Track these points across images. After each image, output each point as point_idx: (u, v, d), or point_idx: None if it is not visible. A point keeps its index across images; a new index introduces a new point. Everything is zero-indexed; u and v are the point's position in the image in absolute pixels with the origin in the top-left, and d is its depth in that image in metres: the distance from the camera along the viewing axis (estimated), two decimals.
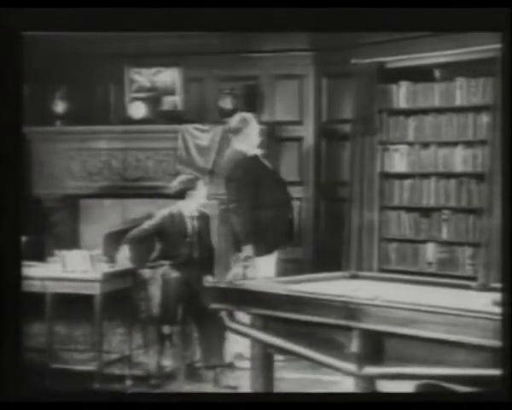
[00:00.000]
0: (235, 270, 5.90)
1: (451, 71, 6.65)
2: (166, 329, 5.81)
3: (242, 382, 5.75)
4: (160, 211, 5.96)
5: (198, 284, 5.79)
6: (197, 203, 5.94)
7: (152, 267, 5.91)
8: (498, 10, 3.74)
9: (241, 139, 5.99)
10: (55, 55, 7.45)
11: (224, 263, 6.17)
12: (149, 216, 6.04)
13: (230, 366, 6.01)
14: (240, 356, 6.07)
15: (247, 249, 5.86)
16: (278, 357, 5.37)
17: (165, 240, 5.91)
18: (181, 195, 5.93)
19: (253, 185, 5.87)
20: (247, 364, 5.93)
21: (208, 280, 5.74)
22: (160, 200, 6.72)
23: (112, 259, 5.93)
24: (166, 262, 5.87)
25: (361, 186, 7.04)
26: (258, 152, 6.00)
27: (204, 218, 6.02)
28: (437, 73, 6.88)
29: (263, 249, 5.92)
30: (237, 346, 6.01)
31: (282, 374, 5.36)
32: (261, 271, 5.92)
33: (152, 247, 6.02)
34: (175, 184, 6.00)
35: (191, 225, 5.95)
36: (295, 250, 7.25)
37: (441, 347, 3.33)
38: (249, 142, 5.98)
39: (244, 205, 5.85)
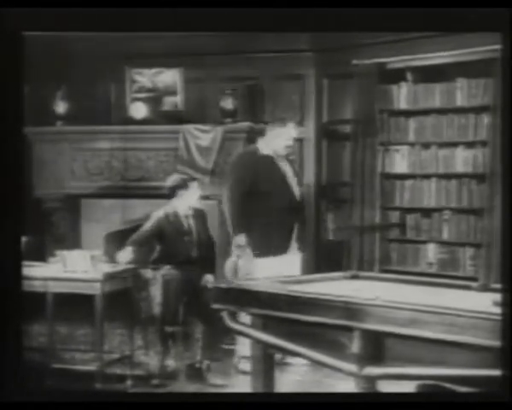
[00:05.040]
0: (228, 261, 5.93)
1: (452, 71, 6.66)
2: (169, 329, 5.82)
3: (230, 380, 5.79)
4: (155, 212, 5.99)
5: (200, 282, 5.84)
6: (188, 204, 5.97)
7: (153, 269, 5.93)
8: (498, 10, 3.74)
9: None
10: (55, 55, 7.45)
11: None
12: (148, 217, 6.06)
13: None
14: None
15: (239, 239, 5.86)
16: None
17: (164, 241, 5.93)
18: (172, 194, 5.99)
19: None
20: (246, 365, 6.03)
21: (208, 280, 5.79)
22: (160, 200, 6.72)
23: (113, 259, 5.95)
24: (167, 264, 5.89)
25: (362, 187, 7.04)
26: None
27: (200, 215, 6.05)
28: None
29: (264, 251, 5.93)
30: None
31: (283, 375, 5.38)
32: (285, 269, 5.89)
33: (152, 248, 6.03)
34: (168, 183, 6.05)
35: (187, 223, 5.98)
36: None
37: (441, 347, 3.33)
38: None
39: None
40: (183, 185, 5.98)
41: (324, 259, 7.22)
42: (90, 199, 7.68)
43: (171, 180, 6.10)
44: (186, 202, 5.98)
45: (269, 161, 5.96)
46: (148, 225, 5.97)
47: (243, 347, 5.99)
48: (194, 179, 6.09)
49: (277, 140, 5.97)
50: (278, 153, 5.97)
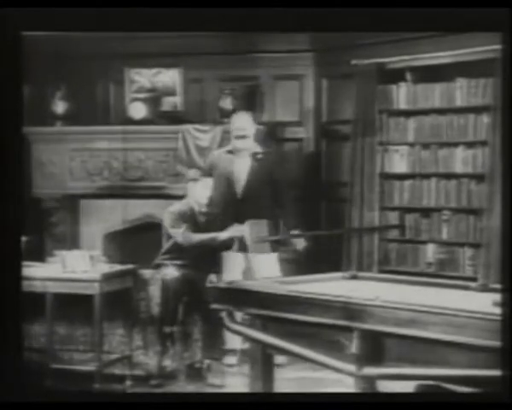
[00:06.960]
0: None
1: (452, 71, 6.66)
2: (168, 329, 5.82)
3: (229, 380, 5.80)
4: (172, 206, 6.01)
5: (202, 281, 5.82)
6: (201, 198, 5.98)
7: (157, 266, 5.92)
8: (498, 10, 3.75)
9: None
10: (55, 55, 7.45)
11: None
12: (149, 217, 6.07)
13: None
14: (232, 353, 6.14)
15: None
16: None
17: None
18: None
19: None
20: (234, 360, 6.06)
21: (211, 281, 5.78)
22: (160, 200, 6.73)
23: (112, 259, 5.97)
24: (177, 257, 5.87)
25: (361, 187, 7.04)
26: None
27: (210, 214, 6.07)
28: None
29: None
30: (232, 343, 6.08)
31: (282, 374, 5.37)
32: (264, 271, 5.94)
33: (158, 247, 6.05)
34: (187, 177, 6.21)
35: (199, 217, 6.00)
36: (296, 250, 7.24)
37: (441, 347, 3.33)
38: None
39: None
40: (197, 179, 6.04)
41: (323, 258, 7.22)
42: (89, 199, 7.68)
43: (189, 173, 6.17)
44: (199, 196, 5.99)
45: (226, 158, 6.20)
46: (168, 226, 5.96)
47: (232, 341, 6.03)
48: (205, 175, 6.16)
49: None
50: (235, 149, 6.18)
